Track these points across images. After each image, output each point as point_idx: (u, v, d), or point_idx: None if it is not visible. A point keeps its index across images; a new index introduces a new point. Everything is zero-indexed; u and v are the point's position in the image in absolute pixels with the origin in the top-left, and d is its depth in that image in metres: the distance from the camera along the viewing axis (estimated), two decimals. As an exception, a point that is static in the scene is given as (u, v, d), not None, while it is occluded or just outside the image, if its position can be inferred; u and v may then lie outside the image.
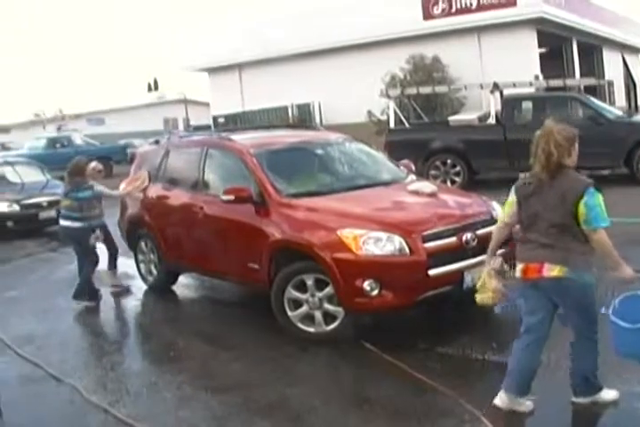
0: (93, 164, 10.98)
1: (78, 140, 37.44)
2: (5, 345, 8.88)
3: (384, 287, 7.41)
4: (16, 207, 17.68)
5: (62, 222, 10.75)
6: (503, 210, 6.01)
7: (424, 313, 8.52)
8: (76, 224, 10.52)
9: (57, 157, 32.83)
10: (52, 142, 36.37)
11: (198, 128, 42.19)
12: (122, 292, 11.14)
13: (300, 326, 8.03)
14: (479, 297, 6.11)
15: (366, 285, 7.37)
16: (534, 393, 5.82)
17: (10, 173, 19.58)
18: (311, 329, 7.99)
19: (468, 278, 7.68)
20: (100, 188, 10.65)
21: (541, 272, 5.44)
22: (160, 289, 10.89)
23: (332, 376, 7.17)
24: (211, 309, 10.07)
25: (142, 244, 11.02)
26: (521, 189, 5.66)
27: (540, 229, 5.47)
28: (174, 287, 10.94)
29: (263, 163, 8.95)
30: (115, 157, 34.60)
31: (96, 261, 10.74)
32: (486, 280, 6.01)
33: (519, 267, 5.63)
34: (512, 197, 5.75)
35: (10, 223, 17.64)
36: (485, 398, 5.91)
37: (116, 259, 11.37)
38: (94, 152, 34.01)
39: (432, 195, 8.66)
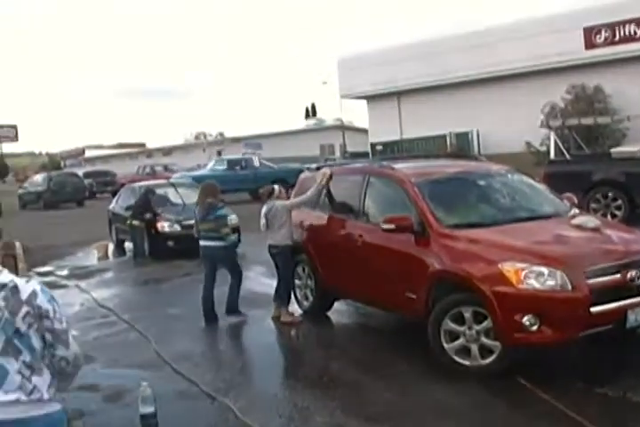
0: (277, 187, 11.22)
1: (257, 162, 38.33)
2: (164, 361, 9.14)
3: (544, 323, 7.26)
4: (177, 227, 18.21)
5: (203, 243, 11.27)
6: None
7: (584, 351, 8.27)
8: (217, 243, 11.05)
9: (237, 179, 33.74)
10: (233, 164, 37.41)
11: (355, 155, 42.53)
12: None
13: (456, 358, 7.93)
14: None
15: (526, 320, 7.24)
16: None
17: (172, 194, 20.23)
18: (466, 362, 7.88)
19: (631, 317, 7.43)
20: (284, 202, 10.95)
21: None
22: (315, 314, 10.97)
23: (485, 412, 7.02)
24: (365, 336, 10.07)
25: (299, 269, 11.14)
26: None
27: None
28: (329, 313, 10.99)
29: (425, 192, 8.93)
30: (290, 180, 35.19)
31: (241, 275, 11.45)
32: None
33: None
34: None
35: (170, 243, 18.20)
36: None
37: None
38: (271, 174, 34.73)
39: (596, 229, 8.43)
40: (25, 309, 3.79)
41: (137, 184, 22.34)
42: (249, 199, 32.75)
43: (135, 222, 18.11)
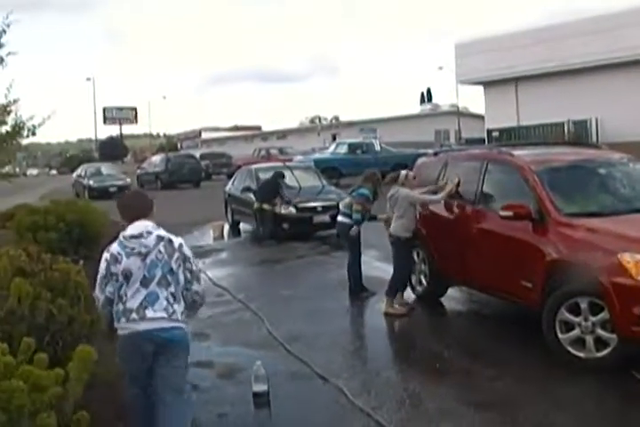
0: (404, 172, 10.94)
1: (377, 146, 38.38)
2: (277, 342, 9.28)
3: (662, 317, 7.10)
4: (292, 210, 18.35)
5: (339, 218, 12.21)
6: None
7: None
8: (344, 220, 11.91)
9: (357, 162, 33.87)
10: (354, 148, 37.56)
11: (470, 141, 42.11)
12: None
13: (570, 349, 7.82)
14: None
15: (644, 313, 7.09)
16: None
17: (288, 177, 20.38)
18: (581, 354, 7.77)
19: None
20: (408, 193, 10.61)
21: None
22: (428, 300, 10.97)
23: (597, 406, 6.94)
24: (477, 323, 10.03)
25: (414, 254, 11.14)
26: None
27: None
28: (442, 299, 10.97)
29: (544, 180, 8.82)
30: (410, 165, 35.04)
31: (357, 256, 11.88)
32: None
33: None
34: None
35: (285, 225, 18.34)
36: None
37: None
38: (391, 159, 34.73)
39: None
40: (177, 254, 5.60)
41: (253, 166, 22.58)
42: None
43: (265, 206, 18.19)
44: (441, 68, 65.85)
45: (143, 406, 5.68)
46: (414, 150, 35.05)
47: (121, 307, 5.54)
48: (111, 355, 6.08)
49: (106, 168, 44.57)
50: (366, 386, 7.57)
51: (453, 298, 11.15)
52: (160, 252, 5.53)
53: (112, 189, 38.44)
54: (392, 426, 6.43)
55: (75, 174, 44.87)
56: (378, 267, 12.96)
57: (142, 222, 5.68)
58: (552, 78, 34.54)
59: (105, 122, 76.87)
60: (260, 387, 7.20)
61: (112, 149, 79.24)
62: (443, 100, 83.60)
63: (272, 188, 18.45)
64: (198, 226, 22.26)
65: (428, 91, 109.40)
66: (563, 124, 33.91)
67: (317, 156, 37.77)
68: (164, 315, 5.48)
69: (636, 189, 9.45)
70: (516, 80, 37.33)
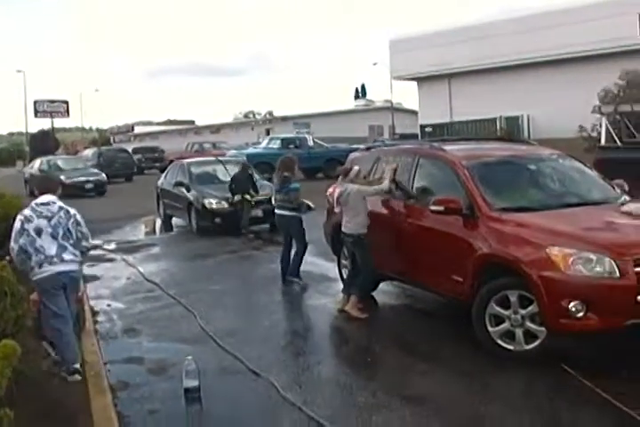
0: (356, 168, 10.38)
1: (310, 141, 38.47)
2: (208, 337, 9.24)
3: (590, 310, 7.21)
4: (224, 204, 18.27)
5: (278, 211, 12.33)
6: None
7: (630, 340, 8.16)
8: (291, 213, 12.04)
9: None
10: (287, 143, 37.52)
11: (404, 136, 42.41)
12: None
13: (500, 342, 7.92)
14: None
15: (572, 306, 7.20)
16: None
17: (220, 172, 20.30)
18: (510, 347, 7.86)
19: (682, 308, 7.35)
20: (360, 188, 10.11)
21: None
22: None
23: (528, 398, 7.01)
24: (409, 317, 10.07)
25: (345, 249, 11.11)
26: None
27: None
28: (374, 293, 10.98)
29: (475, 175, 8.90)
30: (343, 160, 35.07)
31: (305, 246, 12.15)
32: None
33: None
34: None
35: (217, 220, 18.26)
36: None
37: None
38: (324, 154, 34.82)
39: (646, 217, 8.34)
40: (72, 219, 7.84)
41: (185, 161, 22.44)
42: (302, 178, 32.83)
43: (237, 198, 18.03)
44: (375, 63, 66.08)
45: (65, 335, 7.64)
46: (347, 146, 35.22)
47: (42, 256, 7.60)
48: (37, 352, 6.00)
49: (74, 161, 40.63)
50: (298, 381, 7.56)
51: (386, 292, 11.19)
52: (61, 217, 7.75)
53: (88, 186, 34.62)
54: (323, 420, 6.40)
55: (29, 169, 40.43)
56: (312, 262, 12.95)
57: (49, 196, 7.94)
58: (485, 75, 35.00)
59: (36, 115, 75.50)
60: (190, 382, 7.13)
61: (43, 143, 77.92)
62: (377, 95, 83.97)
63: (245, 180, 18.29)
64: (130, 221, 22.08)
65: (363, 86, 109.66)
66: (495, 120, 34.39)
67: (250, 150, 37.74)
68: (74, 259, 7.82)
69: (565, 185, 9.60)
70: (450, 76, 37.76)
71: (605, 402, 6.55)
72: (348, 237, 10.26)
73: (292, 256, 12.20)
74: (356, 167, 10.36)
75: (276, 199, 12.55)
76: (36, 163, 39.57)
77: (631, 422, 6.15)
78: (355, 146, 35.88)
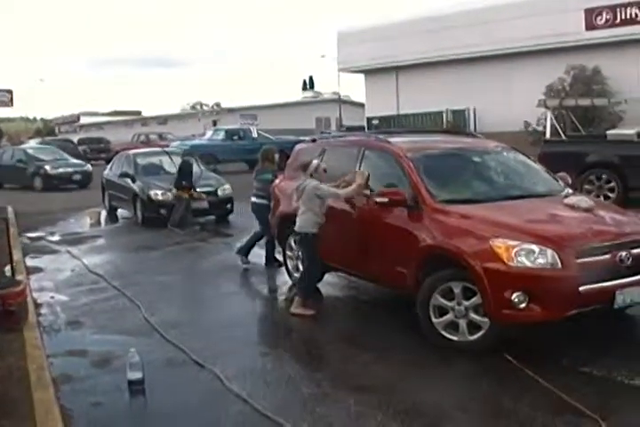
0: (316, 162, 9.88)
1: (254, 133, 38.43)
2: (152, 328, 9.19)
3: (532, 301, 7.30)
4: (170, 196, 18.13)
5: (252, 199, 12.76)
6: None
7: (571, 330, 8.28)
8: (261, 201, 12.38)
9: (234, 149, 33.73)
10: (231, 134, 37.47)
11: (351, 128, 42.49)
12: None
13: (444, 333, 7.98)
14: None
15: (515, 297, 7.27)
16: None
17: (167, 163, 20.18)
18: (454, 337, 7.93)
19: (619, 298, 7.48)
20: (317, 186, 9.57)
21: None
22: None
23: (470, 387, 7.07)
24: (354, 309, 10.11)
25: (292, 240, 11.11)
26: None
27: None
28: (319, 285, 10.94)
29: (419, 167, 8.94)
30: (288, 152, 34.86)
31: (265, 235, 12.52)
32: None
33: None
34: None
35: (163, 211, 18.15)
36: None
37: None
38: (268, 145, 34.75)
39: (588, 210, 8.45)
40: None
41: (131, 151, 22.27)
42: (246, 169, 32.84)
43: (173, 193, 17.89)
44: (323, 56, 66.13)
45: None
46: (294, 137, 35.24)
47: None
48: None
49: (50, 151, 36.42)
50: (242, 372, 7.51)
51: (331, 284, 11.21)
52: None
53: (76, 177, 32.59)
54: (268, 412, 6.39)
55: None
56: (260, 254, 12.93)
57: None
58: (431, 68, 35.20)
59: (-21, 105, 74.40)
60: (134, 375, 7.09)
61: (-14, 133, 77.02)
62: (325, 87, 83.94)
63: (185, 173, 18.09)
64: (74, 212, 21.86)
65: (310, 78, 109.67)
66: (441, 113, 34.57)
67: (194, 142, 37.66)
68: None
69: (509, 177, 9.68)
70: (397, 69, 37.87)
71: (547, 391, 6.64)
72: (296, 235, 10.00)
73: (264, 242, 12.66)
74: (315, 161, 9.90)
75: (253, 187, 12.78)
76: (7, 153, 35.96)
77: (572, 410, 6.22)
78: (301, 137, 36.07)
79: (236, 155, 34.55)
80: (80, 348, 8.58)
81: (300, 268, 10.89)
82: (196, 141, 37.58)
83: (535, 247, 7.41)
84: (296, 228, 9.81)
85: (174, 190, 17.77)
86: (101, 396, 7.06)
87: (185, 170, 18.03)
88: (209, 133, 39.56)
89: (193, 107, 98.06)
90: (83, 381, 7.50)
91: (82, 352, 8.44)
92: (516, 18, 31.08)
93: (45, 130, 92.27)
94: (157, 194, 18.14)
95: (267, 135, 38.41)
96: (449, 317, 7.95)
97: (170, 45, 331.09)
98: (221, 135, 37.48)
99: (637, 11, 28.85)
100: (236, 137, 37.02)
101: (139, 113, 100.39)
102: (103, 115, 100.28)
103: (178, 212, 17.58)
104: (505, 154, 10.13)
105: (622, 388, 6.83)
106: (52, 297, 11.16)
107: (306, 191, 9.58)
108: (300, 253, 10.65)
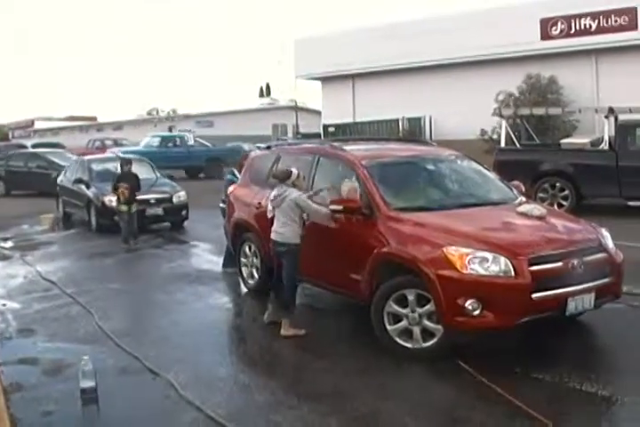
0: (296, 171, 9.26)
1: (191, 140, 38.17)
2: (106, 336, 9.12)
3: (486, 308, 7.36)
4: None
5: (220, 205, 13.11)
6: None
7: (523, 337, 8.35)
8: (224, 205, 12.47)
9: (170, 156, 33.58)
10: (166, 141, 37.19)
11: (307, 136, 42.47)
12: None
13: (398, 340, 8.01)
14: None
15: (468, 304, 7.33)
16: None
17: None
18: (408, 344, 7.96)
19: (571, 305, 7.59)
20: (297, 194, 9.08)
21: None
22: (260, 293, 10.89)
23: (424, 394, 7.10)
24: (309, 316, 10.06)
25: (246, 247, 11.12)
26: None
27: None
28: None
29: (374, 175, 8.97)
30: (225, 160, 34.88)
31: None
32: None
33: None
34: None
35: (116, 218, 17.93)
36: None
37: None
38: (205, 153, 34.80)
39: (541, 218, 8.55)
40: None
41: (85, 157, 22.14)
42: (185, 177, 32.99)
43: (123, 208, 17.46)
44: (280, 62, 66.17)
45: None
46: (233, 145, 35.69)
47: None
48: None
49: (60, 155, 32.27)
50: (196, 379, 7.49)
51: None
52: None
53: None
54: (221, 419, 6.38)
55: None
56: (212, 260, 12.92)
57: None
58: (387, 76, 35.28)
59: None
60: (87, 383, 7.00)
61: (-62, 138, 76.13)
62: (281, 94, 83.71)
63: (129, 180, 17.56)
64: (28, 218, 21.64)
65: (267, 85, 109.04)
66: (397, 120, 34.66)
67: (129, 148, 37.18)
68: None
69: (464, 185, 9.76)
70: (353, 77, 37.92)
71: (500, 398, 6.68)
72: (280, 246, 9.16)
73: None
74: (295, 171, 9.23)
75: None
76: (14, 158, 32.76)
77: (523, 416, 6.28)
78: (240, 144, 35.99)
79: (170, 162, 33.97)
80: (32, 356, 8.49)
81: (256, 275, 10.88)
82: (133, 148, 37.13)
83: (488, 255, 7.48)
84: (279, 239, 9.15)
85: (123, 206, 16.71)
86: (53, 404, 6.99)
87: (127, 176, 17.02)
88: (145, 140, 39.12)
89: (149, 113, 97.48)
90: (34, 389, 7.43)
91: (33, 360, 8.36)
92: (472, 27, 31.25)
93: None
94: (112, 200, 17.91)
95: (204, 142, 38.44)
96: (403, 324, 7.97)
97: (126, 50, 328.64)
98: (157, 142, 37.18)
99: (591, 21, 29.16)
100: (170, 144, 36.73)
101: (94, 119, 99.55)
102: (58, 120, 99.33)
103: (124, 228, 17.04)
104: (459, 162, 10.19)
105: (573, 393, 6.90)
106: (4, 304, 11.04)
107: (287, 200, 9.02)
108: (253, 256, 10.70)
